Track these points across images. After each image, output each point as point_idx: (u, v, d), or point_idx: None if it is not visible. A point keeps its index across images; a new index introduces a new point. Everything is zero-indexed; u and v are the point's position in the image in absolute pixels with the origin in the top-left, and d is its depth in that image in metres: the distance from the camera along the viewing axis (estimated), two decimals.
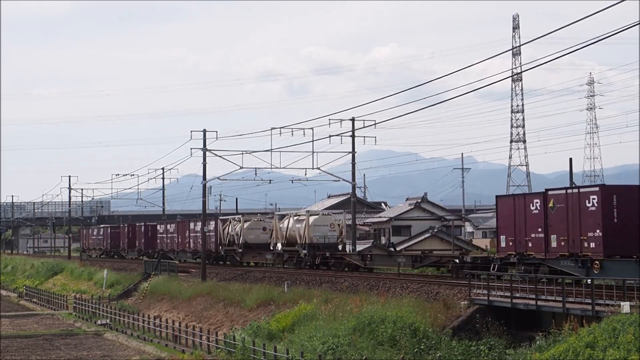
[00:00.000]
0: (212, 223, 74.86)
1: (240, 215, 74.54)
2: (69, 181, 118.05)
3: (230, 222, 73.11)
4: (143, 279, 74.79)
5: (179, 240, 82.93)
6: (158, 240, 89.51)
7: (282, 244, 64.49)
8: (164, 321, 53.30)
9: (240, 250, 70.49)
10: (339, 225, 61.28)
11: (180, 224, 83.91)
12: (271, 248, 67.50)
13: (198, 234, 73.88)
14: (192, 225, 79.74)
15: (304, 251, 61.08)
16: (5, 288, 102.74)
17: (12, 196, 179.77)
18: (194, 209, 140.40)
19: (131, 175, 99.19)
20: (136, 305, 65.71)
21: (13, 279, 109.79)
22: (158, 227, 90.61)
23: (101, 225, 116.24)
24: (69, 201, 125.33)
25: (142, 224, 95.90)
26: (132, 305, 66.39)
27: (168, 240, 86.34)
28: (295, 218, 63.72)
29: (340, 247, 60.74)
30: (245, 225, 70.50)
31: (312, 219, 61.33)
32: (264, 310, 48.37)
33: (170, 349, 46.30)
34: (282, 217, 68.34)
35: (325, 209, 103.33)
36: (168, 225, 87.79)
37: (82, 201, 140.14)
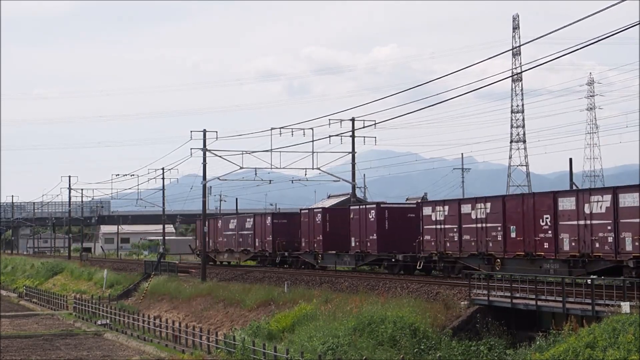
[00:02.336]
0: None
1: None
2: (69, 181, 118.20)
3: None
4: (143, 279, 74.85)
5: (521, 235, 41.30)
6: (428, 237, 47.99)
7: None
8: (164, 321, 53.30)
9: None
10: None
11: (517, 201, 42.55)
12: None
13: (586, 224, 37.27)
14: (564, 201, 39.00)
15: None
16: (5, 288, 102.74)
17: (12, 196, 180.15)
18: (194, 209, 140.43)
19: (131, 176, 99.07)
20: (136, 306, 65.74)
21: (13, 279, 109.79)
22: (426, 209, 48.86)
23: (247, 214, 74.55)
24: (69, 201, 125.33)
25: (374, 205, 54.56)
26: (132, 305, 66.43)
27: (466, 236, 44.92)
28: None
29: None
30: None
31: None
32: (264, 310, 48.39)
33: (170, 349, 46.31)
34: None
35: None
36: (466, 206, 45.51)
37: (82, 201, 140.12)
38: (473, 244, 44.38)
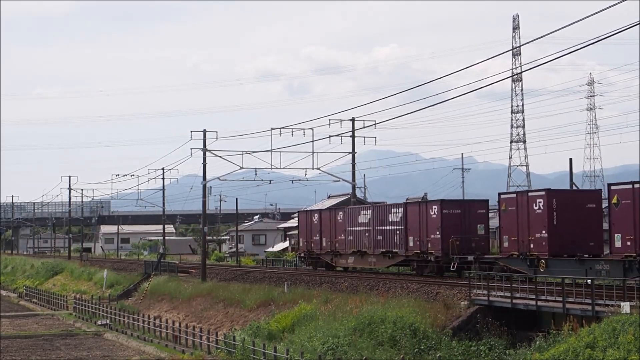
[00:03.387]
0: None
1: None
2: (69, 181, 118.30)
3: None
4: (143, 279, 74.85)
5: None
6: None
7: None
8: (164, 321, 53.30)
9: None
10: None
11: None
12: None
13: None
14: None
15: None
16: (5, 288, 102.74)
17: (12, 196, 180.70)
18: (194, 209, 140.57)
19: (131, 176, 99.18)
20: (136, 306, 65.73)
21: (13, 279, 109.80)
22: None
23: (392, 203, 53.88)
24: (69, 201, 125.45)
25: None
26: (132, 305, 66.42)
27: None
28: None
29: None
30: None
31: None
32: (263, 310, 48.40)
33: (170, 349, 46.30)
34: None
35: (326, 209, 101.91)
36: None
37: (82, 201, 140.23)
38: None
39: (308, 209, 65.00)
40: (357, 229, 54.78)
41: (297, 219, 61.34)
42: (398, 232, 50.33)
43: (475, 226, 47.09)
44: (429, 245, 47.62)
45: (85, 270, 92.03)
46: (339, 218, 57.20)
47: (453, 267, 45.27)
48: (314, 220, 60.43)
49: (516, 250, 40.91)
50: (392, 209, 51.35)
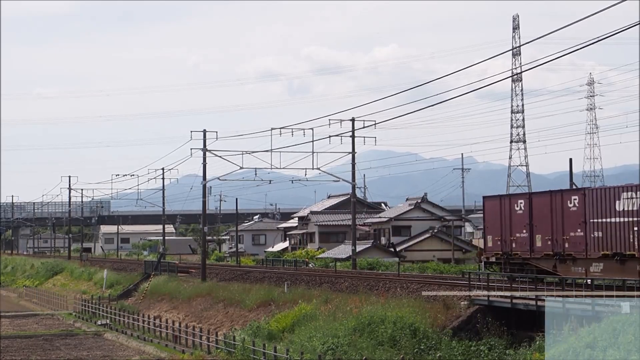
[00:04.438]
0: None
1: None
2: (69, 181, 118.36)
3: None
4: (143, 279, 74.86)
5: None
6: None
7: None
8: (164, 321, 53.32)
9: None
10: None
11: None
12: None
13: None
14: None
15: None
16: (5, 288, 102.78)
17: (12, 196, 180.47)
18: (194, 209, 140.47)
19: (131, 176, 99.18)
20: (136, 306, 65.75)
21: (13, 279, 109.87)
22: None
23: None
24: (69, 201, 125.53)
25: None
26: (132, 305, 66.44)
27: None
28: None
29: None
30: None
31: None
32: (263, 310, 48.41)
33: (170, 349, 46.31)
34: None
35: (326, 209, 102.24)
36: None
37: (82, 201, 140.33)
38: None
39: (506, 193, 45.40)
40: (611, 220, 35.52)
41: (483, 207, 43.54)
42: None
43: None
44: None
45: (85, 270, 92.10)
46: (570, 204, 37.65)
47: None
48: (517, 208, 40.86)
49: None
50: None
